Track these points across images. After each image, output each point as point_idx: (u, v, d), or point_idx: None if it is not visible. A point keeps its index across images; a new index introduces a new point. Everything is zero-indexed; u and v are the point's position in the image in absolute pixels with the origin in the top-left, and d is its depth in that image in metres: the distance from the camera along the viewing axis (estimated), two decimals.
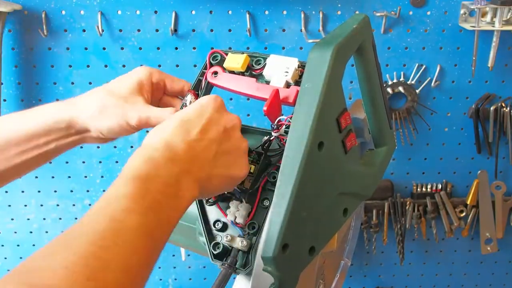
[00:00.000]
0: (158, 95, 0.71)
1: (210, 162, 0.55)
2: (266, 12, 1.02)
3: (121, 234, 0.43)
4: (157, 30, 1.02)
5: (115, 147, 1.11)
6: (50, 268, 0.39)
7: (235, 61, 0.70)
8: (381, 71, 0.64)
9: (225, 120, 0.58)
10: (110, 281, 0.40)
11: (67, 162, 1.11)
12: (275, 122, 0.63)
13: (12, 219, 1.16)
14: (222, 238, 0.64)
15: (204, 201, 0.67)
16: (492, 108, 1.11)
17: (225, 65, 0.71)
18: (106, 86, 0.68)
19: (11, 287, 0.37)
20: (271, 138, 0.64)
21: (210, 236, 0.65)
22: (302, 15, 1.02)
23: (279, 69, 0.68)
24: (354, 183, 0.60)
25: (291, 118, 0.58)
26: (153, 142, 0.53)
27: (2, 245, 1.18)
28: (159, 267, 1.21)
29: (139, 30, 1.02)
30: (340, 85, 0.55)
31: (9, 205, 1.15)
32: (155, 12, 1.01)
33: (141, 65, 0.69)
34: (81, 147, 1.10)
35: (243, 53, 0.70)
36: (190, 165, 0.53)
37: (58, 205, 1.16)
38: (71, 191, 1.14)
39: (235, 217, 0.62)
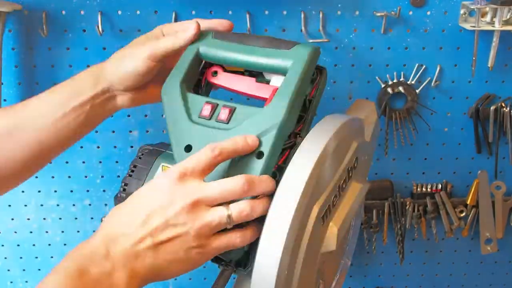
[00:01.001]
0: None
1: (148, 253, 0.55)
2: (266, 12, 1.02)
3: None
4: None
5: (115, 147, 1.11)
6: None
7: None
8: (245, 34, 0.72)
9: (174, 202, 0.55)
10: None
11: (67, 162, 1.11)
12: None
13: (12, 219, 1.16)
14: None
15: None
16: (492, 108, 1.11)
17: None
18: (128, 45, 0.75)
19: None
20: None
21: None
22: (302, 15, 1.02)
23: None
24: (254, 129, 0.62)
25: None
26: (101, 227, 0.56)
27: (2, 245, 1.18)
28: None
29: (139, 30, 1.02)
30: (188, 96, 0.67)
31: (9, 205, 1.15)
32: (155, 12, 1.01)
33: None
34: (81, 147, 1.10)
35: None
36: (124, 259, 0.54)
37: (58, 205, 1.16)
38: (71, 191, 1.14)
39: None
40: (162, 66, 0.74)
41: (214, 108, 0.65)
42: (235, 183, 0.56)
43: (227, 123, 0.64)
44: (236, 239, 0.58)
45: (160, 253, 0.55)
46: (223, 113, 0.64)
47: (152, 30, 0.77)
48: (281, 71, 0.66)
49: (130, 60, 0.72)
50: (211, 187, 0.56)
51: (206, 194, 0.56)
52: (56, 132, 0.74)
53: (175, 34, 0.71)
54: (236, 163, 0.61)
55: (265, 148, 0.61)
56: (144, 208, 0.56)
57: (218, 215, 0.56)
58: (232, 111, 0.64)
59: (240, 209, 0.56)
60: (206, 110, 0.65)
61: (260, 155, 0.61)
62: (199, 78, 0.72)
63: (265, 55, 0.67)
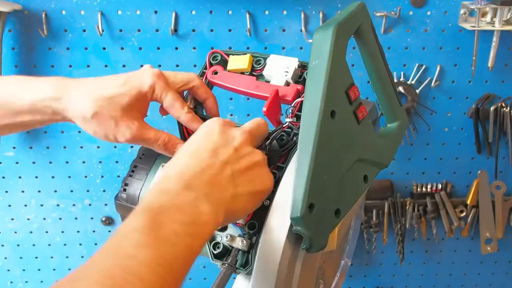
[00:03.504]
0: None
1: (229, 184, 0.54)
2: (266, 12, 1.02)
3: (133, 271, 0.41)
4: (157, 30, 1.02)
5: (115, 147, 1.11)
6: None
7: (239, 62, 0.70)
8: (383, 53, 0.68)
9: (232, 139, 0.57)
10: None
11: (67, 162, 1.11)
12: (292, 104, 0.65)
13: (12, 219, 1.16)
14: (222, 238, 0.64)
15: None
16: (492, 108, 1.11)
17: (228, 68, 0.71)
18: (108, 88, 0.64)
19: None
20: (284, 125, 0.64)
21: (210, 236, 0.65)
22: (302, 15, 1.02)
23: (279, 68, 0.69)
24: (370, 151, 0.64)
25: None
26: (166, 174, 0.53)
27: (2, 245, 1.18)
28: None
29: (139, 30, 1.02)
30: (345, 61, 0.60)
31: (9, 205, 1.15)
32: (155, 12, 1.01)
33: (148, 66, 0.66)
34: (81, 147, 1.10)
35: (245, 53, 0.70)
36: (207, 189, 0.51)
37: (58, 205, 1.16)
38: (71, 191, 1.14)
39: None
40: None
41: (358, 97, 0.64)
42: (260, 121, 0.62)
43: (359, 122, 0.64)
44: None
45: (239, 182, 0.55)
46: (362, 112, 0.63)
47: (142, 80, 0.63)
48: (386, 116, 0.71)
49: (104, 128, 0.63)
50: (252, 126, 0.60)
51: (252, 131, 0.60)
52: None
53: (166, 145, 0.64)
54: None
55: (370, 177, 0.65)
56: (207, 144, 0.55)
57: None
58: (367, 117, 0.65)
59: None
60: (353, 93, 0.64)
61: (365, 178, 0.64)
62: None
63: (391, 95, 0.70)
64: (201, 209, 0.49)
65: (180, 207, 0.48)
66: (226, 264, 0.62)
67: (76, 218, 1.17)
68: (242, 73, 0.71)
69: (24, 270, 1.20)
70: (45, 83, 0.65)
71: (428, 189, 1.17)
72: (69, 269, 1.06)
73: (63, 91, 0.64)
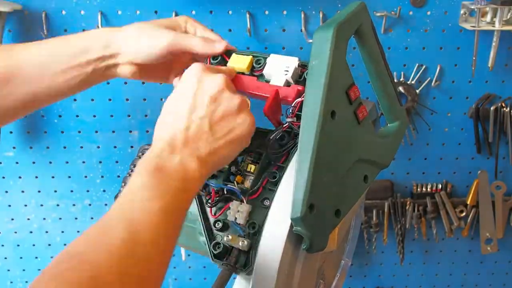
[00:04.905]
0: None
1: (208, 137, 0.59)
2: (266, 12, 1.02)
3: (149, 219, 0.51)
4: None
5: (115, 147, 1.11)
6: (95, 252, 0.47)
7: (240, 61, 0.70)
8: (384, 52, 0.68)
9: (209, 88, 0.60)
10: (141, 255, 0.49)
11: (67, 162, 1.11)
12: (292, 104, 0.65)
13: (12, 219, 1.16)
14: (223, 238, 0.64)
15: (205, 201, 0.67)
16: (492, 108, 1.11)
17: (229, 64, 0.71)
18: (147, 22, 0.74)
19: (64, 266, 0.45)
20: (284, 125, 0.64)
21: (211, 236, 0.65)
22: (302, 15, 1.02)
23: (279, 68, 0.69)
24: (371, 151, 0.65)
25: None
26: (155, 138, 0.60)
27: (2, 245, 1.18)
28: None
29: None
30: (345, 61, 0.61)
31: (9, 205, 1.15)
32: (155, 12, 1.01)
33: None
34: (81, 147, 1.10)
35: (248, 54, 0.70)
36: (189, 150, 0.57)
37: (58, 205, 1.16)
38: (71, 191, 1.14)
39: (235, 217, 0.62)
40: (173, 58, 0.74)
41: (358, 97, 0.65)
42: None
43: (359, 122, 0.65)
44: None
45: (218, 132, 0.59)
46: (362, 112, 0.64)
47: (176, 18, 0.76)
48: (386, 116, 0.71)
49: (149, 39, 0.71)
50: (226, 73, 0.64)
51: (231, 72, 0.67)
52: (49, 87, 0.72)
53: (207, 41, 0.71)
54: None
55: (370, 177, 0.66)
56: (186, 99, 0.60)
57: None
58: (367, 117, 0.65)
59: None
60: (353, 93, 0.65)
61: (365, 179, 0.65)
62: None
63: (391, 95, 0.71)
64: (188, 167, 0.56)
65: (171, 168, 0.55)
66: (226, 264, 0.62)
67: (76, 218, 1.16)
68: (242, 73, 0.71)
69: (24, 270, 1.20)
70: (91, 32, 0.75)
71: (428, 189, 1.17)
72: None
73: (111, 30, 0.73)
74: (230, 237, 0.62)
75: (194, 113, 0.59)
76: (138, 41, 0.71)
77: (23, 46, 0.73)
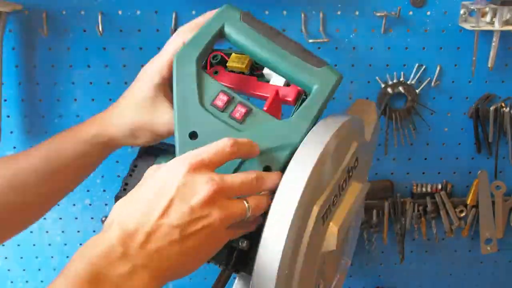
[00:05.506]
0: None
1: (173, 249, 0.50)
2: (266, 12, 1.02)
3: None
4: (157, 30, 1.02)
5: None
6: None
7: (239, 61, 0.70)
8: (276, 31, 0.68)
9: (192, 194, 0.51)
10: None
11: None
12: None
13: None
14: None
15: None
16: (492, 108, 1.11)
17: (228, 64, 0.71)
18: (132, 93, 0.73)
19: None
20: None
21: None
22: (302, 15, 1.02)
23: None
24: (270, 141, 0.62)
25: None
26: (115, 213, 0.52)
27: (2, 245, 1.18)
28: None
29: (139, 30, 1.02)
30: (204, 76, 0.64)
31: None
32: (156, 12, 1.01)
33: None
34: None
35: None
36: (146, 260, 0.48)
37: (58, 205, 1.15)
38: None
39: None
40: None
41: (230, 101, 0.62)
42: (249, 177, 0.55)
43: (241, 123, 0.62)
44: (252, 227, 0.60)
45: (188, 246, 0.51)
46: (238, 111, 0.62)
47: (159, 65, 0.75)
48: (304, 87, 0.65)
49: (145, 137, 0.73)
50: (231, 179, 0.54)
51: (228, 185, 0.53)
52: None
53: None
54: (241, 166, 0.60)
55: (274, 166, 0.60)
56: (162, 196, 0.51)
57: (240, 207, 0.54)
58: (248, 112, 0.62)
59: (258, 203, 0.56)
60: (220, 101, 0.62)
61: (267, 169, 0.60)
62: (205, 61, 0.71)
63: (294, 65, 0.65)
64: (135, 282, 0.47)
65: (115, 279, 0.46)
66: (226, 264, 0.62)
67: (76, 218, 1.17)
68: (242, 72, 0.71)
69: (24, 270, 1.20)
70: (86, 123, 0.75)
71: (428, 189, 1.17)
72: None
73: (104, 122, 0.74)
74: None
75: (168, 217, 0.50)
76: (137, 141, 0.74)
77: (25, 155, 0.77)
